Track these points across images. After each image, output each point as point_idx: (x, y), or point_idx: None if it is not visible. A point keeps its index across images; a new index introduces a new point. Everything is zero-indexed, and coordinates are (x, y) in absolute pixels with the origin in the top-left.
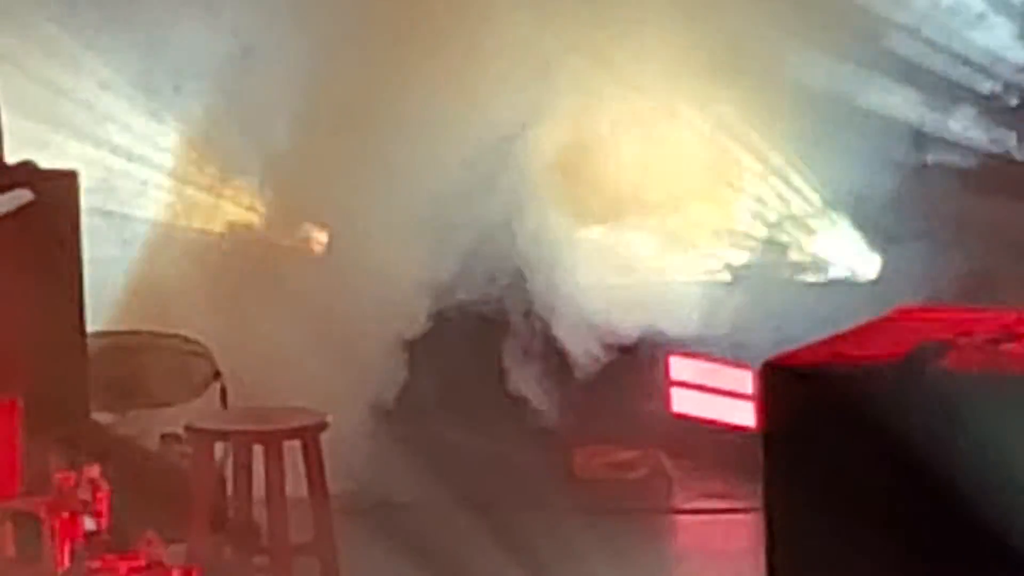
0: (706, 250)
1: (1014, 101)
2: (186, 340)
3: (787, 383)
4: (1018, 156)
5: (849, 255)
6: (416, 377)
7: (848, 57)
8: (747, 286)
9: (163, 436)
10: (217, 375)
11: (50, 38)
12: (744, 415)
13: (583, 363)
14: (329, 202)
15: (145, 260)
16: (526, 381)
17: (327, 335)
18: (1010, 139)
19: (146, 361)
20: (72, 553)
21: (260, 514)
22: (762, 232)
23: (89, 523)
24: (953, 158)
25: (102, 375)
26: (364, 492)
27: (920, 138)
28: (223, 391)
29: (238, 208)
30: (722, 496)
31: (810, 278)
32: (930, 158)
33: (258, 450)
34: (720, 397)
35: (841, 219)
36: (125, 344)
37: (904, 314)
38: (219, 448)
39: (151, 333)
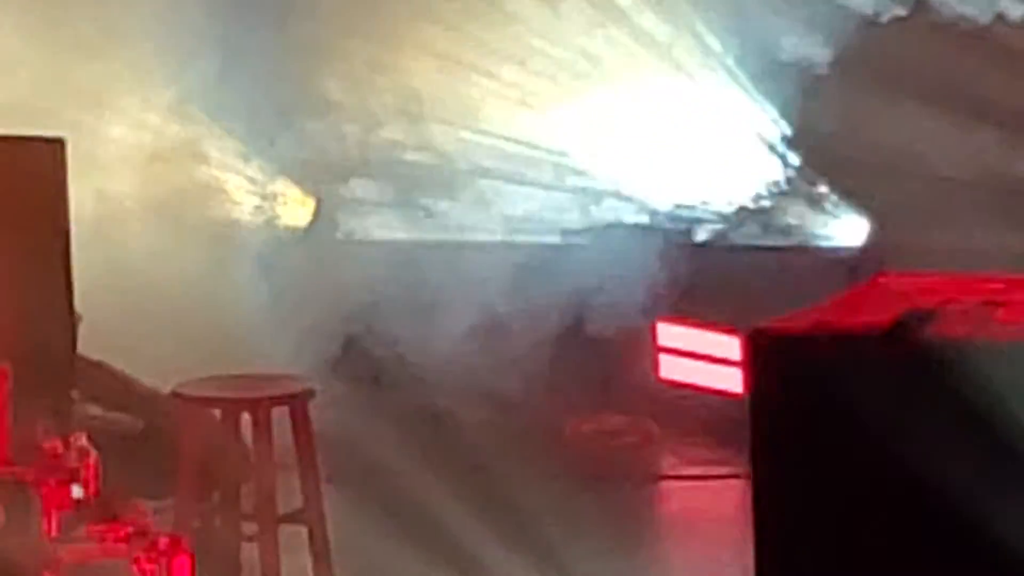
0: None
1: None
2: None
3: (775, 350)
4: None
5: None
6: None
7: None
8: None
9: None
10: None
11: None
12: (732, 382)
13: None
14: None
15: None
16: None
17: None
18: None
19: None
20: (61, 521)
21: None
22: None
23: (77, 491)
24: None
25: None
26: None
27: None
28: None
29: None
30: (710, 462)
31: None
32: None
33: None
34: (708, 364)
35: None
36: None
37: (890, 281)
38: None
39: None
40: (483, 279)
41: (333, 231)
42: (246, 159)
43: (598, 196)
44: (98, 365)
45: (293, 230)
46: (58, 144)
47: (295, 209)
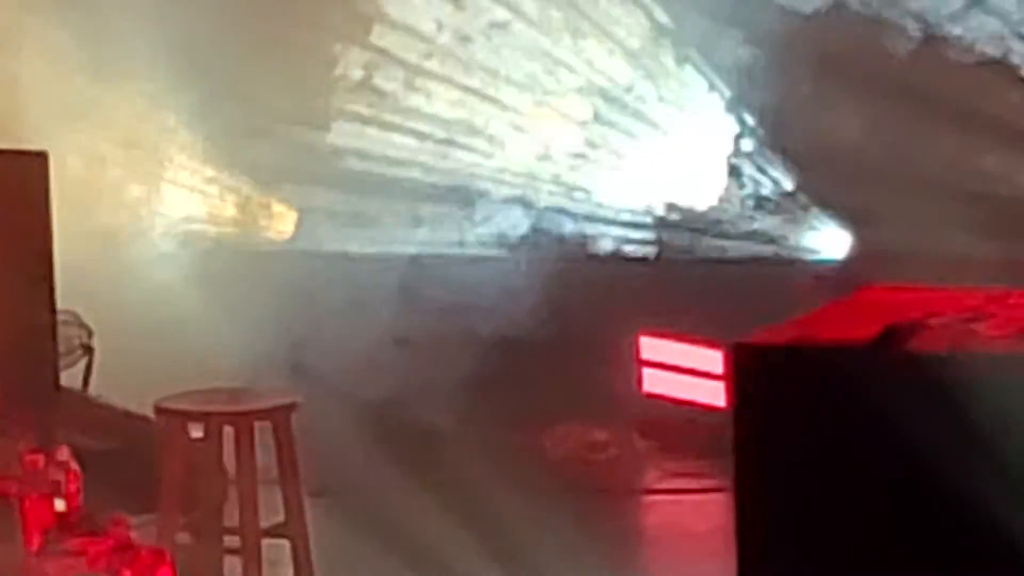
0: None
1: None
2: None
3: (758, 363)
4: None
5: None
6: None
7: None
8: None
9: None
10: (87, 349)
11: None
12: (715, 395)
13: None
14: None
15: None
16: None
17: None
18: None
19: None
20: (43, 534)
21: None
22: None
23: (60, 505)
24: None
25: None
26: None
27: None
28: (88, 367)
29: None
30: (693, 476)
31: None
32: None
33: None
34: (691, 377)
35: None
36: None
37: (873, 294)
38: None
39: None
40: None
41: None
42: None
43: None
44: (70, 392)
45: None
46: (41, 157)
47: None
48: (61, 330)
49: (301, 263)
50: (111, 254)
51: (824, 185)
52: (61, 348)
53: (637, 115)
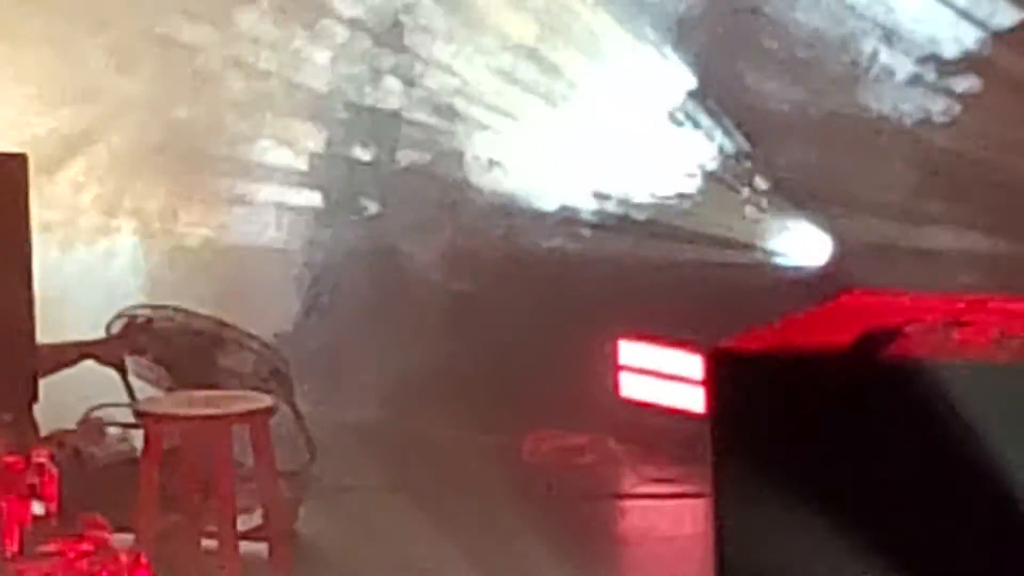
0: None
1: None
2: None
3: (736, 369)
4: None
5: None
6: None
7: None
8: None
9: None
10: (277, 376)
11: None
12: (693, 400)
13: None
14: None
15: None
16: None
17: None
18: None
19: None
20: (21, 536)
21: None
22: None
23: (38, 507)
24: None
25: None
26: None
27: None
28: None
29: None
30: (670, 481)
31: None
32: None
33: None
34: (669, 382)
35: None
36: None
37: (853, 299)
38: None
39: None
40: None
41: None
42: None
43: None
44: None
45: None
46: (20, 158)
47: None
48: (244, 356)
49: None
50: None
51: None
52: (247, 377)
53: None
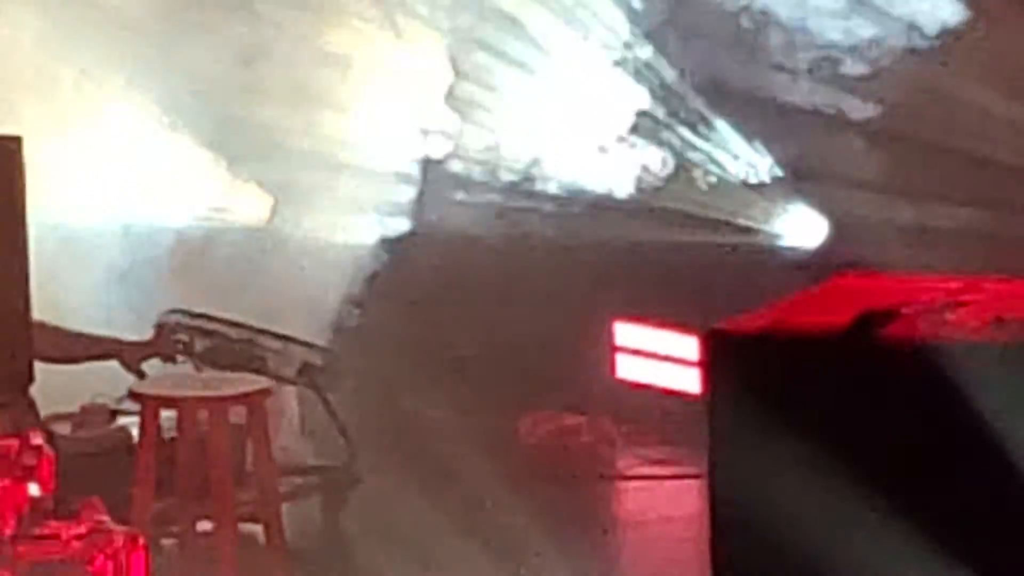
0: None
1: None
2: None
3: (732, 350)
4: None
5: None
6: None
7: None
8: None
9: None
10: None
11: None
12: (689, 382)
13: None
14: None
15: None
16: None
17: None
18: None
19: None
20: (17, 519)
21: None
22: None
23: (34, 489)
24: None
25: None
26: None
27: None
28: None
29: None
30: (666, 462)
31: None
32: None
33: None
34: (665, 363)
35: None
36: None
37: (848, 281)
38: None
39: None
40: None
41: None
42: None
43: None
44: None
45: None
46: (15, 142)
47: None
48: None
49: None
50: None
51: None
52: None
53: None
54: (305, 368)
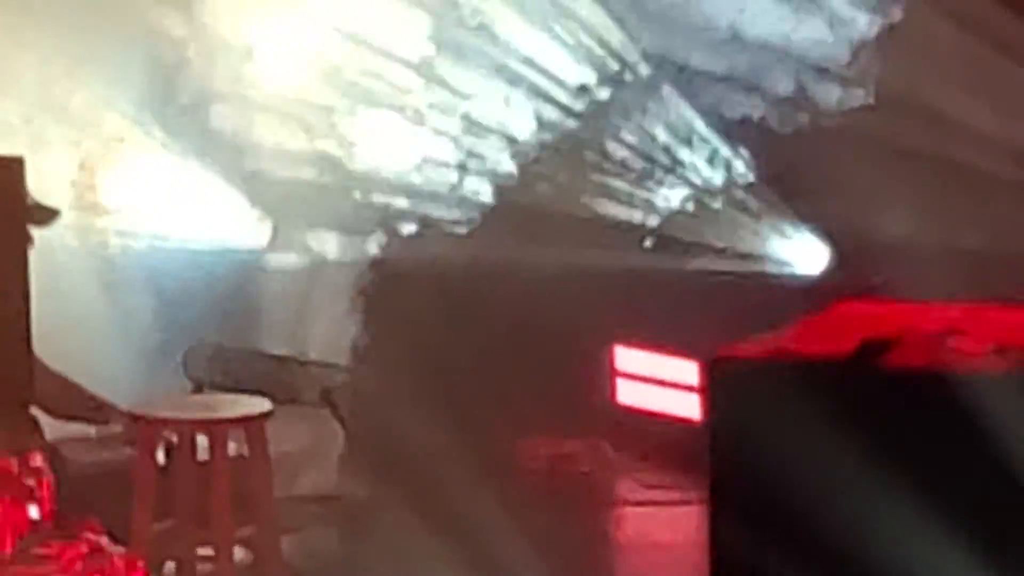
0: None
1: None
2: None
3: (733, 377)
4: None
5: None
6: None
7: None
8: None
9: None
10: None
11: None
12: (690, 407)
13: None
14: None
15: None
16: None
17: None
18: None
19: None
20: (16, 540)
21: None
22: None
23: (33, 511)
24: None
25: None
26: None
27: None
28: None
29: None
30: (667, 488)
31: None
32: None
33: None
34: (666, 389)
35: None
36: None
37: (849, 308)
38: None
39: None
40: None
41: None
42: None
43: None
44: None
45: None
46: (17, 163)
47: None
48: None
49: None
50: None
51: None
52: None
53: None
54: (327, 391)
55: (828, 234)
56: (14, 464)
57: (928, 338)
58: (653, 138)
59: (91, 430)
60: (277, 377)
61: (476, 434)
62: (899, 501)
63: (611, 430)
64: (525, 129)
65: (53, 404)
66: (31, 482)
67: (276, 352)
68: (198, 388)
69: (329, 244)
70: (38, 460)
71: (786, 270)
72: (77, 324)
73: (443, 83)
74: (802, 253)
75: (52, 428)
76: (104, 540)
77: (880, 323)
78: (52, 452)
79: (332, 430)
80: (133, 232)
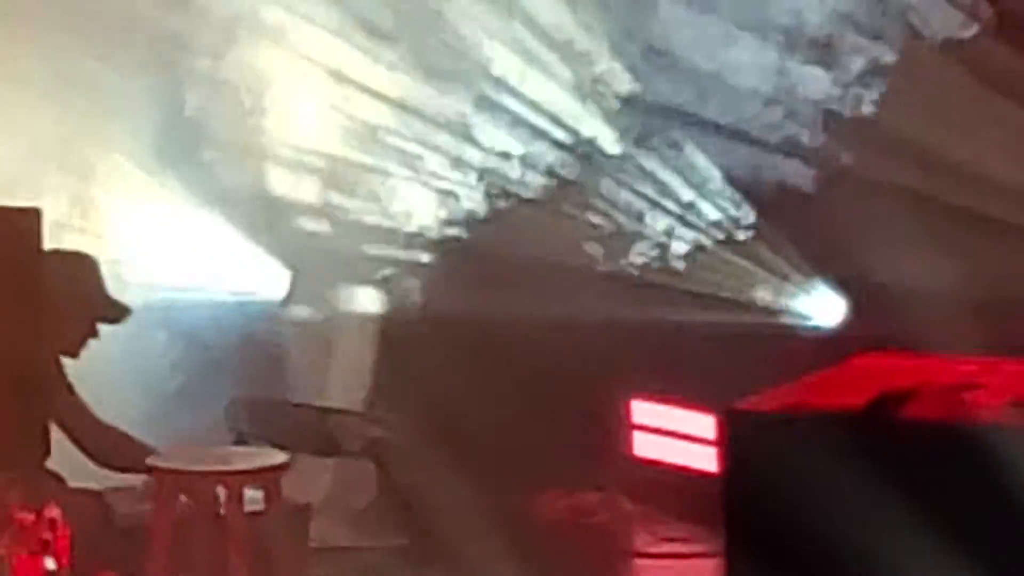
0: None
1: None
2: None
3: (750, 430)
4: None
5: None
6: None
7: None
8: None
9: None
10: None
11: None
12: (706, 460)
13: None
14: None
15: None
16: None
17: None
18: None
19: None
20: None
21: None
22: None
23: (50, 563)
24: None
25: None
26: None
27: None
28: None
29: None
30: (683, 540)
31: None
32: None
33: None
34: (682, 442)
35: None
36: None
37: (866, 361)
38: None
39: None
40: None
41: None
42: None
43: None
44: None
45: None
46: (34, 213)
47: None
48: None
49: None
50: None
51: None
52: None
53: None
54: (371, 443)
55: (845, 285)
56: (30, 517)
57: (945, 391)
58: (666, 190)
59: (137, 481)
60: (320, 429)
61: (493, 487)
62: (916, 554)
63: (628, 483)
64: (539, 182)
65: (101, 455)
66: (47, 535)
67: (321, 404)
68: (240, 440)
69: (345, 296)
70: (53, 512)
71: (803, 322)
72: (92, 375)
73: (469, 139)
74: (819, 305)
75: (98, 477)
76: None
77: (897, 376)
78: (98, 501)
79: (354, 480)
80: (149, 283)
